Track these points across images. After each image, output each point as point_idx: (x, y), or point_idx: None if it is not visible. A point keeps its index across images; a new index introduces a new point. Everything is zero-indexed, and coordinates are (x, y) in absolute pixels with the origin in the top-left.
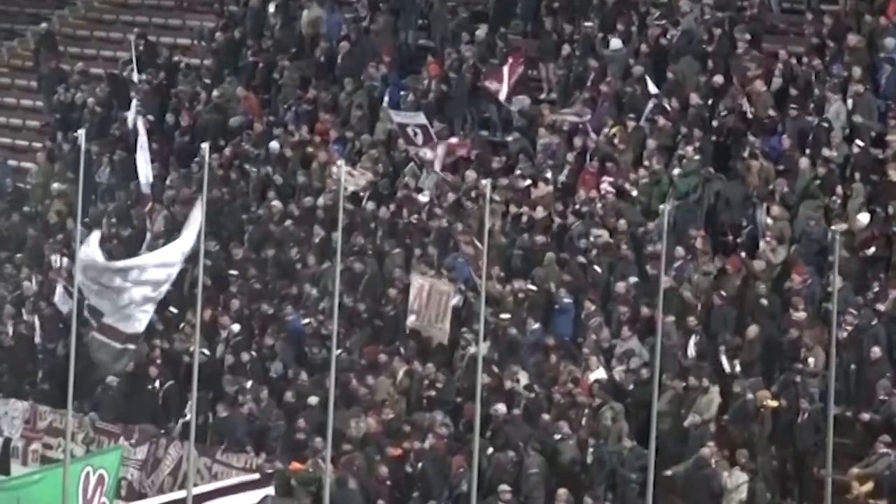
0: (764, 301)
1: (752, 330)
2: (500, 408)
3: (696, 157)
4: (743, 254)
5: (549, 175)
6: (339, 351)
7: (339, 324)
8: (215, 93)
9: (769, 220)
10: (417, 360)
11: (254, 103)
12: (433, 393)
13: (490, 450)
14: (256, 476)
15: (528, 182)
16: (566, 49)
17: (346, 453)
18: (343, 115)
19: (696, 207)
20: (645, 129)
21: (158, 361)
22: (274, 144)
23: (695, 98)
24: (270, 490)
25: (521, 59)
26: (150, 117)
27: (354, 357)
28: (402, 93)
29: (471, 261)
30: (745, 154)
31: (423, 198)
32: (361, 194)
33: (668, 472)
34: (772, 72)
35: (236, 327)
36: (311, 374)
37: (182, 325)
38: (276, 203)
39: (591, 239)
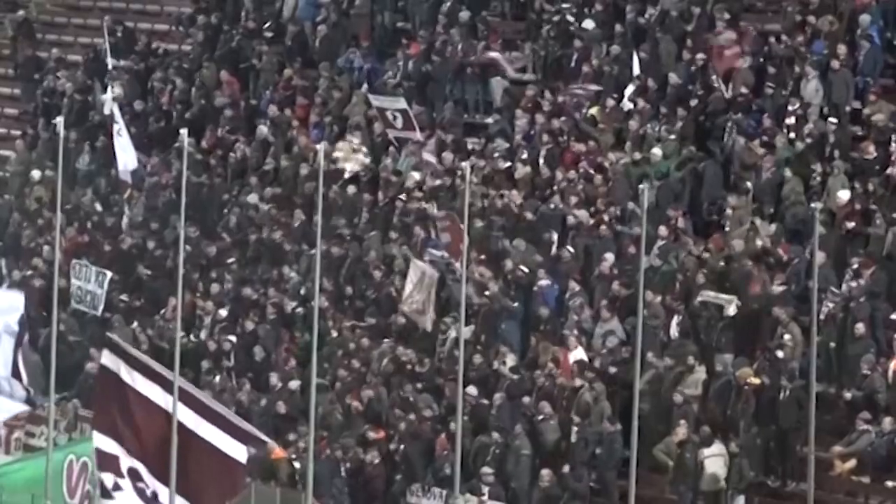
0: (749, 277)
1: (731, 309)
2: (470, 390)
3: (672, 138)
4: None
5: (527, 156)
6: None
7: (326, 307)
8: (195, 78)
9: (732, 201)
10: (401, 342)
11: (234, 88)
12: (419, 383)
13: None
14: (255, 432)
15: (508, 164)
16: (545, 30)
17: (330, 436)
18: (322, 99)
19: (679, 187)
20: (624, 108)
21: (144, 348)
22: (262, 129)
23: (674, 77)
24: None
25: (497, 41)
26: (129, 102)
27: (340, 340)
28: (381, 77)
29: (449, 246)
30: (729, 133)
31: (416, 176)
32: (347, 174)
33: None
34: (749, 50)
35: (223, 312)
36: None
37: (163, 310)
38: (252, 197)
39: (570, 220)
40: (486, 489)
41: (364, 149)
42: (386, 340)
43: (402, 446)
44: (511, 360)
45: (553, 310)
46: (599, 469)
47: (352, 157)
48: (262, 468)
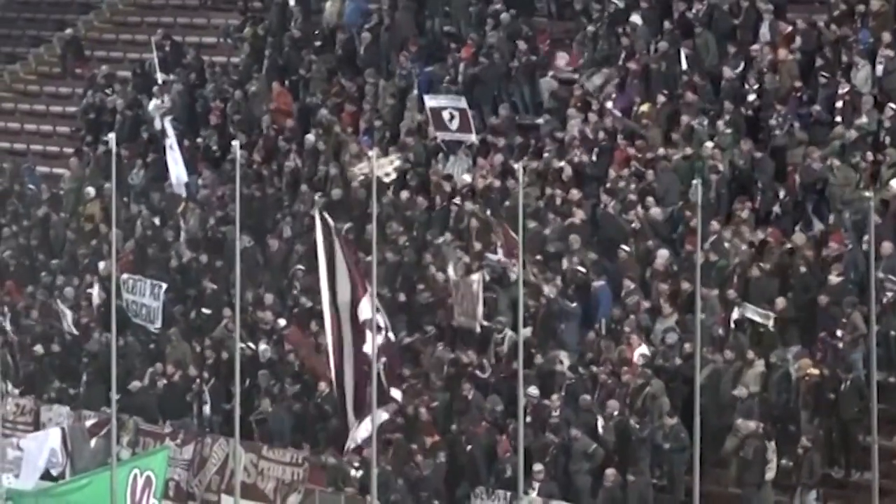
0: (803, 269)
1: (780, 301)
2: (533, 390)
3: (728, 131)
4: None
5: (579, 156)
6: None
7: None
8: (247, 89)
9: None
10: (457, 346)
11: (284, 98)
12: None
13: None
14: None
15: (563, 164)
16: (591, 28)
17: (393, 441)
18: (371, 106)
19: (731, 181)
20: (675, 104)
21: (209, 362)
22: (310, 137)
23: (727, 71)
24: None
25: (545, 41)
26: (178, 116)
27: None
28: (431, 81)
29: (504, 251)
30: (781, 125)
31: (467, 178)
32: (388, 179)
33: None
34: (797, 41)
35: (282, 322)
36: None
37: (224, 321)
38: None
39: (625, 217)
40: (536, 486)
41: (393, 157)
42: (440, 345)
43: (468, 447)
44: (566, 358)
45: (610, 308)
46: (664, 465)
47: (381, 166)
48: (331, 474)
